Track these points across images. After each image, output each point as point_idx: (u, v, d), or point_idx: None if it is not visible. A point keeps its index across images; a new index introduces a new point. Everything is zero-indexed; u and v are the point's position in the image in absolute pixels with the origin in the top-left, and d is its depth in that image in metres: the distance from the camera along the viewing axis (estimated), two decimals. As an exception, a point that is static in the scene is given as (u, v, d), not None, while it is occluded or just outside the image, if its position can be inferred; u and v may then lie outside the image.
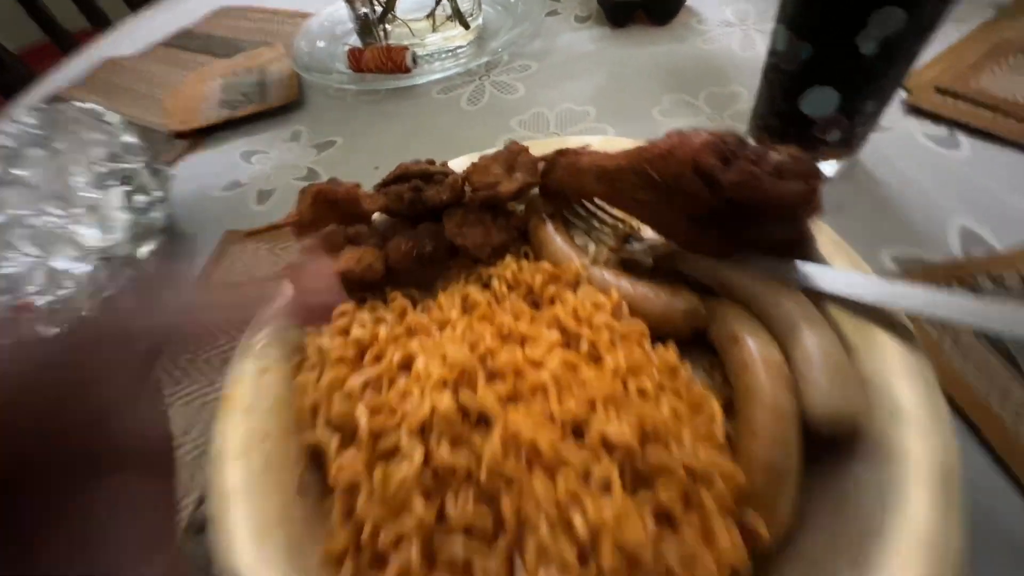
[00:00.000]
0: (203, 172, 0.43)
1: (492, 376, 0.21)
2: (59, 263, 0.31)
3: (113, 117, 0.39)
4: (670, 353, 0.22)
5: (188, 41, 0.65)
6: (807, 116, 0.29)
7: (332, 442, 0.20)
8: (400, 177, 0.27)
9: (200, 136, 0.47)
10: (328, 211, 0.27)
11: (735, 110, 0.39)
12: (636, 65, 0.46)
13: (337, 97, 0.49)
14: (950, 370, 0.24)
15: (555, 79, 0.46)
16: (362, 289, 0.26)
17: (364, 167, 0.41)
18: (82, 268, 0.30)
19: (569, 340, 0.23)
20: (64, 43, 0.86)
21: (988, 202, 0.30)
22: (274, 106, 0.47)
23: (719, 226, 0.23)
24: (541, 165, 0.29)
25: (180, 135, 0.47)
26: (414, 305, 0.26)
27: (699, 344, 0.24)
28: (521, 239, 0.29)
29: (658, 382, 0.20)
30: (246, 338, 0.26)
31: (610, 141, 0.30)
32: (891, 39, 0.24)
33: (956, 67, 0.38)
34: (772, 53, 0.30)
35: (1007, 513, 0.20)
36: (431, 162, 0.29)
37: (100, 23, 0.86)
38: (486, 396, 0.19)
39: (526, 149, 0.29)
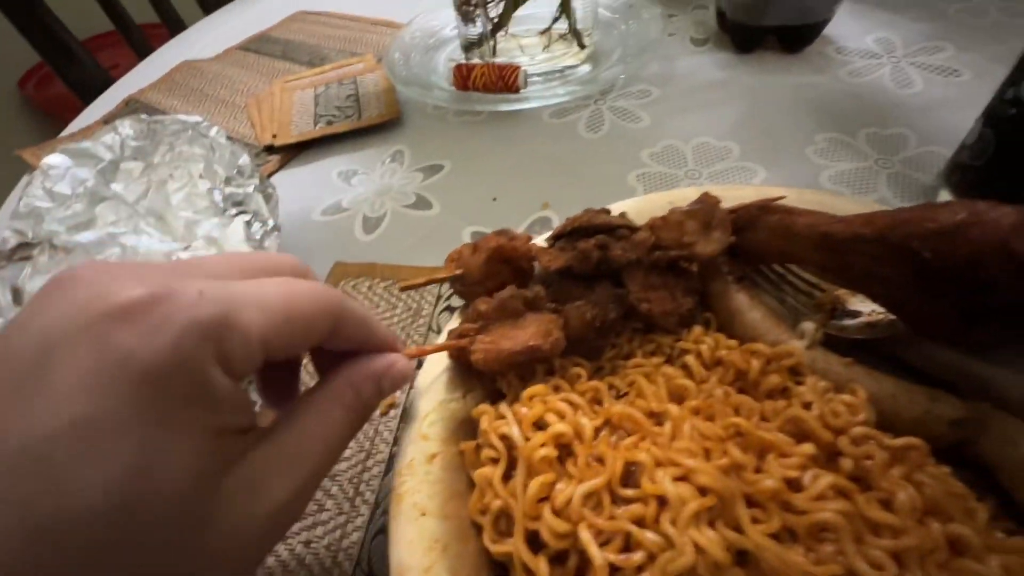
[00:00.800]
0: (301, 192, 0.40)
1: (754, 503, 0.17)
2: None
3: (215, 131, 0.36)
4: (954, 480, 0.18)
5: (265, 45, 0.62)
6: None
7: (541, 566, 0.17)
8: (578, 230, 0.23)
9: (291, 151, 0.44)
10: (499, 268, 0.23)
11: (906, 155, 0.35)
12: (774, 97, 0.41)
13: (436, 116, 0.46)
14: None
15: (682, 108, 0.42)
16: (537, 362, 0.22)
17: (480, 197, 0.37)
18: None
19: (823, 451, 0.18)
20: (131, 36, 0.85)
21: None
22: (373, 123, 0.44)
23: (1006, 322, 0.19)
24: (738, 216, 0.25)
25: (272, 149, 0.44)
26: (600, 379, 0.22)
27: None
28: (700, 304, 0.25)
29: (973, 527, 0.16)
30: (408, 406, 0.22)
31: (808, 196, 0.26)
32: None
33: None
34: (1002, 108, 0.25)
35: None
36: (606, 211, 0.25)
37: (168, 19, 0.85)
38: (764, 541, 0.15)
39: (720, 203, 0.25)
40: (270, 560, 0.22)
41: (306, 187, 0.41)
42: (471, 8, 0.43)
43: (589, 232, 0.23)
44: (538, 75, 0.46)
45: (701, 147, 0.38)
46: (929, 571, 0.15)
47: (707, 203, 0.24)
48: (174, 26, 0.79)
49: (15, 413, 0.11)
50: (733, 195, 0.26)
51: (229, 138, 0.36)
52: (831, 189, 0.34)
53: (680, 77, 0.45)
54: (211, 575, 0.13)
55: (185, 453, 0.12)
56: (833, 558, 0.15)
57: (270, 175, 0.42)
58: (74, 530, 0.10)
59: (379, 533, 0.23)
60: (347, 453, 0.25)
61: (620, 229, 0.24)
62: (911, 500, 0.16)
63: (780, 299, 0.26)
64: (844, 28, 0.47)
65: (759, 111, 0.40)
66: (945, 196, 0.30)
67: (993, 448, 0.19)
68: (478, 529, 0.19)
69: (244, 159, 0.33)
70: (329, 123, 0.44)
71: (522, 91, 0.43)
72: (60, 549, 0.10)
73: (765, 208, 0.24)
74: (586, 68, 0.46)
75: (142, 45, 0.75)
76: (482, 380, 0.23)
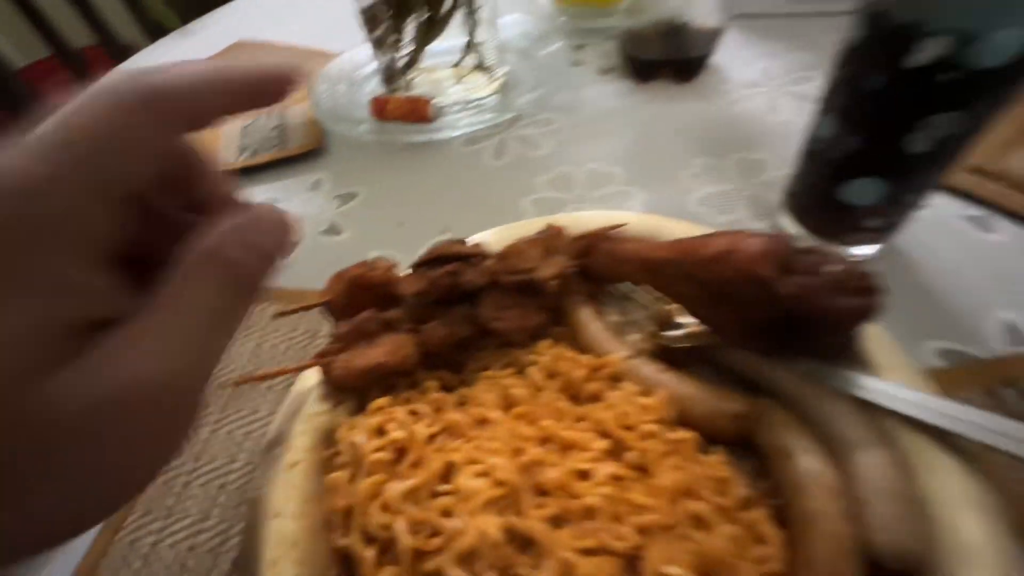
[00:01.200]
0: (222, 221, 0.43)
1: (539, 493, 0.20)
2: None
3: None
4: (720, 465, 0.21)
5: (206, 75, 0.64)
6: (848, 204, 0.29)
7: (368, 554, 0.19)
8: (435, 259, 0.27)
9: (219, 181, 0.46)
10: (362, 294, 0.26)
11: (765, 178, 0.39)
12: (662, 124, 0.45)
13: (358, 146, 0.49)
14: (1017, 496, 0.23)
15: (581, 136, 0.46)
16: (395, 376, 0.25)
17: (387, 223, 0.41)
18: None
19: (616, 447, 0.22)
20: (71, 62, 0.86)
21: (1026, 292, 0.30)
22: (296, 153, 0.47)
23: (774, 332, 0.23)
24: (579, 243, 0.28)
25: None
26: (448, 390, 0.25)
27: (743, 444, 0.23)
28: (555, 319, 0.28)
29: (714, 504, 0.19)
30: (279, 423, 0.25)
31: (647, 221, 0.30)
32: (943, 140, 0.24)
33: (990, 144, 0.37)
34: (815, 139, 0.29)
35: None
36: (461, 242, 0.28)
37: (107, 44, 0.86)
38: (535, 524, 0.18)
39: (562, 231, 0.28)
40: (158, 559, 0.25)
41: (228, 216, 0.43)
42: (384, 43, 0.46)
43: (445, 260, 0.27)
44: (452, 106, 0.49)
45: (591, 173, 0.42)
46: (672, 541, 0.18)
47: (549, 232, 0.28)
48: (118, 53, 0.81)
49: None
50: (585, 222, 0.30)
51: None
52: (695, 211, 0.38)
53: (582, 106, 0.49)
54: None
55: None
56: (592, 534, 0.18)
57: (195, 205, 0.44)
58: None
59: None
60: (236, 464, 0.28)
61: (473, 258, 0.27)
62: (670, 483, 0.20)
63: (623, 314, 0.29)
64: (733, 59, 0.51)
65: (647, 138, 0.44)
66: (783, 216, 0.34)
67: (763, 437, 0.23)
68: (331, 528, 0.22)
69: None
70: (253, 154, 0.47)
71: (434, 122, 0.47)
72: None
73: (601, 236, 0.28)
74: (496, 99, 0.50)
75: (82, 73, 0.77)
76: (355, 394, 0.26)
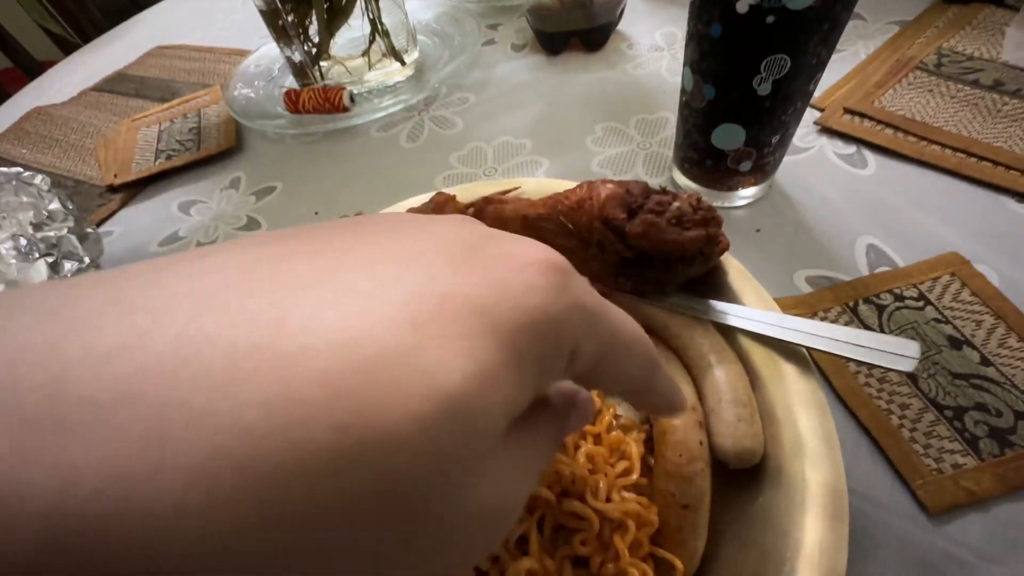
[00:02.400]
0: (139, 227, 0.43)
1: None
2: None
3: (39, 179, 0.38)
4: (592, 396, 0.23)
5: (120, 84, 0.63)
6: (719, 149, 0.31)
7: None
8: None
9: (136, 188, 0.46)
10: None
11: (663, 136, 0.41)
12: (571, 93, 0.47)
13: (276, 140, 0.49)
14: (856, 389, 0.26)
15: (493, 111, 0.47)
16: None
17: (305, 214, 0.41)
18: None
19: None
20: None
21: (892, 219, 0.32)
22: (212, 153, 0.47)
23: (634, 269, 0.24)
24: (470, 211, 0.30)
25: (114, 188, 0.46)
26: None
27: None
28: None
29: (581, 431, 0.21)
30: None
31: (542, 183, 0.31)
32: (782, 81, 0.26)
33: (863, 86, 0.40)
34: (683, 92, 0.31)
35: (899, 514, 0.22)
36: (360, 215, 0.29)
37: (22, 63, 0.83)
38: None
39: (453, 199, 0.29)
40: None
41: (146, 221, 0.43)
42: (288, 36, 0.46)
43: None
44: (368, 92, 0.50)
45: (501, 146, 0.43)
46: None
47: (437, 200, 0.29)
48: (31, 69, 0.78)
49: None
50: (479, 191, 0.31)
51: (58, 184, 0.38)
52: (598, 173, 0.39)
53: (496, 82, 0.50)
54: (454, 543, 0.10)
55: (511, 394, 0.10)
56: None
57: (113, 214, 0.44)
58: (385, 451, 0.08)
59: None
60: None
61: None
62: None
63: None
64: (639, 25, 0.53)
65: (556, 108, 0.46)
66: (675, 171, 0.36)
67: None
68: None
69: (55, 204, 0.35)
70: (168, 158, 0.47)
71: (349, 110, 0.47)
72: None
73: (487, 199, 0.29)
74: (410, 82, 0.51)
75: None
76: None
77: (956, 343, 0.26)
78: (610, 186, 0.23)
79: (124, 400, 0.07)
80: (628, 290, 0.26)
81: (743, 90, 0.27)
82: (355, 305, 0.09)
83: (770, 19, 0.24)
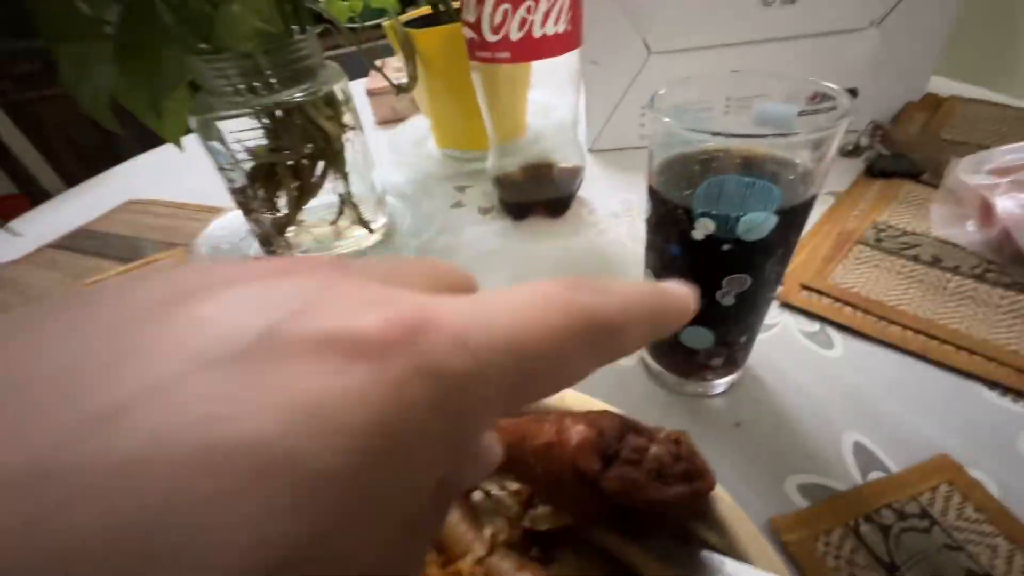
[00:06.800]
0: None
1: None
2: None
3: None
4: None
5: (81, 241, 0.62)
6: (688, 348, 0.30)
7: None
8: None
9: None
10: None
11: (630, 310, 0.41)
12: (537, 260, 0.48)
13: (235, 307, 0.47)
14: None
15: (460, 279, 0.47)
16: None
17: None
18: None
19: None
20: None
21: (871, 410, 0.31)
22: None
23: (615, 516, 0.22)
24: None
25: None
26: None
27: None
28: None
29: None
30: None
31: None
32: (745, 293, 0.26)
33: (814, 260, 0.42)
34: (646, 290, 0.31)
35: None
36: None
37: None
38: None
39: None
40: None
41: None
42: (257, 212, 0.47)
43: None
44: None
45: (468, 319, 0.42)
46: None
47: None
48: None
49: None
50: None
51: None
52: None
53: (463, 247, 0.51)
54: None
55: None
56: None
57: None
58: None
59: None
60: None
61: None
62: None
63: (488, 496, 0.27)
64: (597, 192, 0.56)
65: (524, 273, 0.46)
66: (646, 354, 0.35)
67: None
68: None
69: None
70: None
71: (313, 279, 0.46)
72: None
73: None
74: (378, 249, 0.51)
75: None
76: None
77: (976, 579, 0.23)
78: (581, 428, 0.21)
79: None
80: (611, 528, 0.23)
81: (707, 301, 0.27)
82: None
83: (726, 247, 0.24)
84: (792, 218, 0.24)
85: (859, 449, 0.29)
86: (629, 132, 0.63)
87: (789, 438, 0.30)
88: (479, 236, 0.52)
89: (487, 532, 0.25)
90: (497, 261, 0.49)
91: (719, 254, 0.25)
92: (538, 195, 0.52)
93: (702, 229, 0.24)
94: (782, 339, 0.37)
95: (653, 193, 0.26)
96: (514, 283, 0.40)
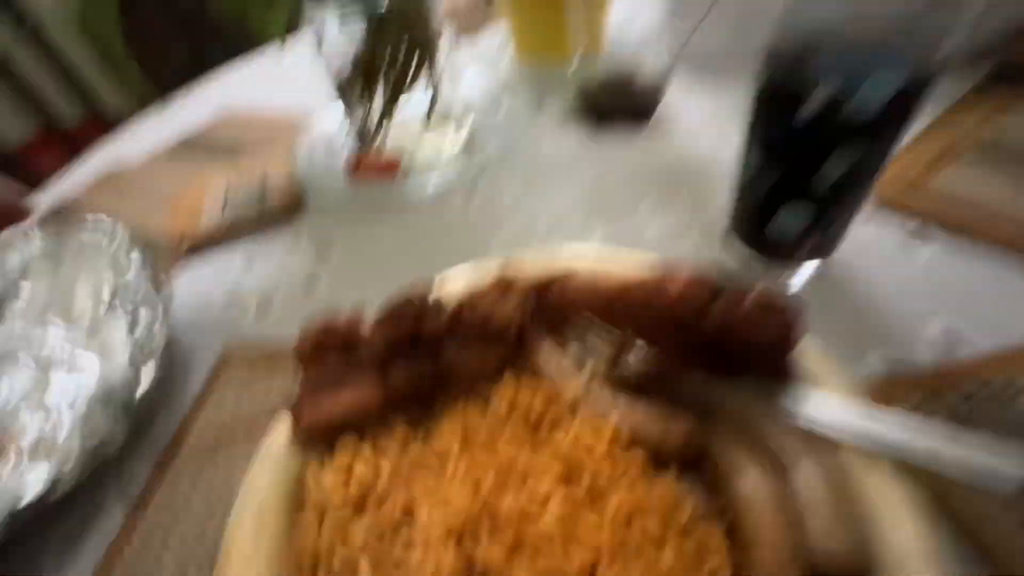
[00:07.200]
0: (204, 284, 0.44)
1: (495, 522, 0.21)
2: (54, 396, 0.31)
3: (121, 233, 0.41)
4: (671, 486, 0.22)
5: (192, 146, 0.68)
6: (780, 228, 0.31)
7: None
8: (397, 308, 0.28)
9: (202, 246, 0.49)
10: (329, 343, 0.27)
11: (712, 211, 0.41)
12: (618, 168, 0.49)
13: (336, 204, 0.51)
14: (955, 493, 0.24)
15: (541, 184, 0.49)
16: (361, 419, 0.26)
17: (363, 276, 0.43)
18: (74, 410, 0.30)
19: (571, 472, 0.23)
20: (66, 138, 0.90)
21: (961, 299, 0.32)
22: (276, 215, 0.49)
23: (708, 356, 0.24)
24: (533, 285, 0.30)
25: (181, 243, 0.48)
26: (415, 427, 0.26)
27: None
28: (518, 356, 0.30)
29: (662, 520, 0.20)
30: (251, 474, 0.26)
31: (604, 256, 0.32)
32: (849, 171, 0.27)
33: (918, 162, 0.40)
34: (745, 168, 0.32)
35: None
36: (425, 286, 0.30)
37: (98, 116, 0.91)
38: (491, 553, 0.19)
39: (518, 278, 0.30)
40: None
41: (211, 278, 0.45)
42: (356, 108, 0.50)
43: (405, 310, 0.28)
44: (422, 160, 0.53)
45: (553, 215, 0.45)
46: (625, 561, 0.19)
47: (504, 278, 0.30)
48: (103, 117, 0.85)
49: None
50: (541, 259, 0.32)
51: (135, 239, 0.41)
52: (651, 244, 0.40)
53: (543, 155, 0.52)
54: None
55: None
56: (547, 559, 0.19)
57: (180, 270, 0.46)
58: None
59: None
60: (213, 521, 0.28)
61: (432, 307, 0.29)
62: (622, 504, 0.21)
63: (583, 345, 0.31)
64: (683, 101, 0.55)
65: (605, 181, 0.47)
66: (730, 242, 0.37)
67: (712, 457, 0.24)
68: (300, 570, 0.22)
69: (135, 255, 0.37)
70: (236, 218, 0.49)
71: (406, 177, 0.50)
72: None
73: (553, 279, 0.30)
74: (463, 152, 0.53)
75: (74, 146, 0.81)
76: (324, 439, 0.27)
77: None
78: (683, 277, 0.24)
79: None
80: (703, 370, 0.26)
81: (810, 175, 0.28)
82: None
83: (842, 116, 0.24)
84: (912, 92, 0.24)
85: (946, 333, 0.30)
86: (713, 43, 0.60)
87: (872, 318, 0.32)
88: (559, 144, 0.53)
89: (589, 368, 0.28)
90: (577, 168, 0.50)
91: (829, 130, 0.25)
92: (619, 105, 0.52)
93: (816, 104, 0.24)
94: (874, 235, 0.36)
95: (771, 59, 0.26)
96: (596, 189, 0.42)
